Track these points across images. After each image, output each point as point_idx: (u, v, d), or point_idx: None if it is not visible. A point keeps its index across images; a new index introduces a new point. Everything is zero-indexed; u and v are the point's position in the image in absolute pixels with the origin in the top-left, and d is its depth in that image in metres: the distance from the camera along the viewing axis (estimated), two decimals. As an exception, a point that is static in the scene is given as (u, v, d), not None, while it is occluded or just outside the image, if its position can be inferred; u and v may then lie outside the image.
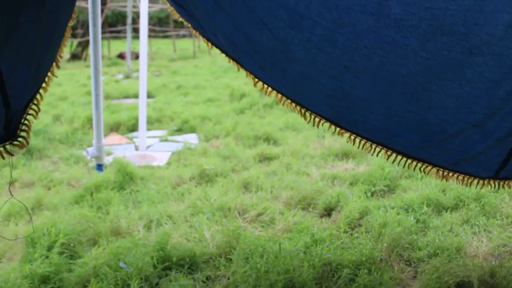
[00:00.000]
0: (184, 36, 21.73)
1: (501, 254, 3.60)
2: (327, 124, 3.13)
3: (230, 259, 3.43)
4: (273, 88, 3.19)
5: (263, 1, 2.75)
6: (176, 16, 3.28)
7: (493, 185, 3.33)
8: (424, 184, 4.70)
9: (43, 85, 2.80)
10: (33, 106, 2.71)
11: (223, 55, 3.31)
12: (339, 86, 2.95)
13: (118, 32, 21.54)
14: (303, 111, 3.16)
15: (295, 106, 3.18)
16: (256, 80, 3.20)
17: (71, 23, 2.96)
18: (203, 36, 3.29)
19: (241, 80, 10.78)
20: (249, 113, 7.97)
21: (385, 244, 3.62)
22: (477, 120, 2.98)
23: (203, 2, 2.89)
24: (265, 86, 3.19)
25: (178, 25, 20.87)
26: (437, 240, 3.69)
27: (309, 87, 3.07)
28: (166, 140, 6.83)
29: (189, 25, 3.41)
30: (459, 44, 2.70)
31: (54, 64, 2.89)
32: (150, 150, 6.40)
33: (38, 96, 2.75)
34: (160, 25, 22.49)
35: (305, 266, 3.28)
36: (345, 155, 5.86)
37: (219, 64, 14.36)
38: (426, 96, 2.89)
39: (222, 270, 3.33)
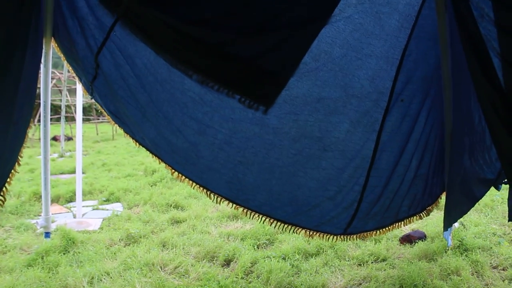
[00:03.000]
0: (103, 121, 21.06)
1: (352, 287, 3.65)
2: (212, 194, 3.13)
3: (158, 307, 3.27)
4: (186, 177, 3.16)
5: (178, 114, 2.78)
6: (98, 107, 3.21)
7: (343, 238, 3.45)
8: (294, 237, 4.74)
9: (8, 180, 2.65)
10: (1, 197, 2.56)
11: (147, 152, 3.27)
12: (235, 175, 2.99)
13: (51, 120, 20.49)
14: (208, 193, 3.15)
15: (202, 189, 3.17)
16: (173, 171, 3.16)
17: (29, 129, 2.85)
18: (133, 138, 3.22)
19: (151, 158, 10.50)
20: (160, 185, 7.73)
21: (272, 286, 3.56)
22: (331, 195, 3.11)
23: (133, 114, 2.88)
24: (180, 175, 3.16)
25: (98, 112, 20.31)
26: (308, 280, 3.67)
27: (213, 176, 3.08)
28: (97, 209, 6.44)
29: (122, 130, 3.36)
30: (316, 144, 2.85)
31: (16, 163, 2.75)
32: (86, 217, 6.02)
33: (4, 189, 2.59)
34: (84, 113, 21.73)
35: (215, 308, 3.19)
36: (235, 217, 5.79)
37: (132, 145, 13.78)
38: (296, 180, 2.99)
39: (152, 317, 3.17)
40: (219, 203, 3.13)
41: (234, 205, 3.15)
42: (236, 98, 2.57)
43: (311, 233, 3.31)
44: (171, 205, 6.42)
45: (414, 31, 2.55)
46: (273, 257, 4.18)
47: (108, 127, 19.15)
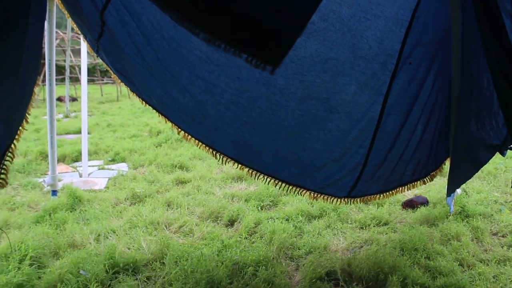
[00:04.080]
0: (107, 82, 20.97)
1: (353, 249, 3.73)
2: (218, 154, 3.15)
3: (163, 263, 3.33)
4: (192, 136, 3.18)
5: (185, 73, 2.77)
6: (104, 67, 3.21)
7: (346, 201, 3.49)
8: (297, 199, 4.81)
9: (16, 137, 2.67)
10: (9, 154, 2.58)
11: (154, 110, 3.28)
12: (241, 135, 3.00)
13: (56, 80, 20.34)
14: (214, 152, 3.17)
15: (208, 149, 3.19)
16: (179, 130, 3.18)
17: (36, 87, 2.86)
18: (139, 97, 3.23)
19: (156, 119, 10.53)
20: (165, 146, 7.77)
21: (275, 246, 3.63)
22: (336, 157, 3.12)
23: (140, 72, 2.87)
24: (186, 134, 3.18)
25: (102, 73, 20.25)
26: (310, 241, 3.76)
27: (219, 135, 3.09)
28: (103, 169, 6.51)
29: (128, 88, 3.37)
30: (323, 105, 2.84)
31: (24, 121, 2.77)
32: (91, 176, 6.09)
33: (13, 146, 2.62)
34: (88, 74, 21.53)
35: (219, 266, 3.26)
36: (239, 178, 5.87)
37: (137, 106, 13.76)
38: (302, 141, 3.00)
39: (158, 271, 3.24)
40: (225, 163, 3.17)
41: (239, 165, 3.18)
42: (243, 57, 2.55)
43: (315, 195, 3.34)
44: (176, 166, 6.49)
45: (424, -8, 2.51)
46: (277, 218, 4.26)
47: (113, 88, 19.10)
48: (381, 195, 3.55)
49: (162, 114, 3.21)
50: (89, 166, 6.44)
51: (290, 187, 3.28)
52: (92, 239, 3.76)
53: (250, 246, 3.68)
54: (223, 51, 2.53)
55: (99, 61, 17.97)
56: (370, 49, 2.64)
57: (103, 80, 20.09)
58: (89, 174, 6.19)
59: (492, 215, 4.43)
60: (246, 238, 3.88)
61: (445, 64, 2.93)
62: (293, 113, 2.85)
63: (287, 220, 4.26)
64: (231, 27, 2.42)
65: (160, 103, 3.10)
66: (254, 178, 3.16)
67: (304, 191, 3.32)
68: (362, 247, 3.77)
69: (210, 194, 5.23)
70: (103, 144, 7.94)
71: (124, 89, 18.08)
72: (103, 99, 16.86)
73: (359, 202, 3.54)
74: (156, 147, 7.81)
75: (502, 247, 3.77)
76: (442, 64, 2.91)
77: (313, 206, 4.56)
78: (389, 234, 3.97)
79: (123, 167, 6.63)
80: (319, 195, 3.36)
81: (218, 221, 4.35)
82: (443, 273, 3.25)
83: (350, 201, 3.48)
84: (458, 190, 4.76)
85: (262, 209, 4.67)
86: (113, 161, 7.01)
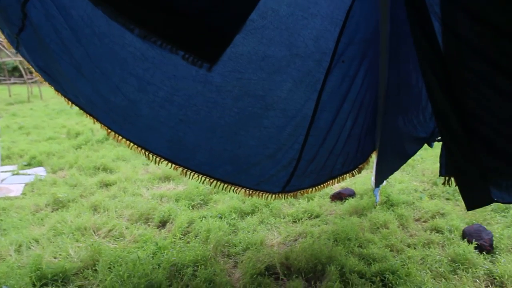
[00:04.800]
0: (15, 82, 19.61)
1: (289, 243, 3.79)
2: (151, 155, 3.05)
3: (96, 270, 3.17)
4: (123, 137, 3.05)
5: (117, 71, 2.65)
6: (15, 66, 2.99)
7: (280, 197, 3.53)
8: (229, 197, 4.80)
9: None
10: None
11: (81, 111, 3.11)
12: (175, 134, 2.93)
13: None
14: (147, 153, 3.07)
15: (141, 150, 3.08)
16: (109, 131, 3.04)
17: None
18: (65, 97, 3.04)
19: (73, 120, 10.08)
20: (86, 148, 7.41)
21: (211, 245, 3.59)
22: (271, 153, 3.15)
23: (67, 70, 2.70)
24: (116, 135, 3.04)
25: (10, 73, 18.94)
26: (246, 238, 3.77)
27: (153, 135, 3.00)
28: (18, 174, 6.08)
29: (52, 87, 3.16)
30: (259, 103, 2.85)
31: None
32: (5, 183, 5.68)
33: None
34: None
35: (157, 269, 3.16)
36: (166, 178, 5.75)
37: (51, 107, 13.05)
38: (237, 139, 2.99)
39: (91, 280, 3.07)
40: (158, 164, 3.07)
41: (173, 165, 3.10)
42: (179, 55, 2.49)
43: (250, 192, 3.36)
44: (99, 168, 6.22)
45: (358, -8, 2.59)
46: (210, 217, 4.23)
47: (22, 89, 17.90)
48: (313, 189, 3.65)
49: (90, 115, 3.04)
50: (2, 172, 6.00)
51: (225, 185, 3.26)
52: (12, 250, 3.51)
53: (185, 246, 3.62)
54: (159, 48, 2.45)
55: (7, 59, 16.81)
56: (306, 47, 2.69)
57: (10, 80, 18.74)
58: (2, 181, 5.76)
59: (413, 202, 4.71)
60: (181, 239, 3.81)
61: (374, 63, 3.06)
62: (229, 111, 2.83)
63: (220, 218, 4.24)
64: (168, 23, 2.35)
65: (89, 103, 2.94)
66: (189, 178, 3.10)
67: (239, 189, 3.32)
68: (297, 240, 3.85)
69: (138, 195, 5.07)
70: (16, 147, 7.42)
71: (36, 89, 17.02)
72: (11, 100, 15.71)
73: (291, 197, 3.59)
74: (76, 149, 7.43)
75: (425, 231, 4.02)
76: (372, 62, 3.04)
77: (244, 202, 4.58)
78: (322, 226, 4.09)
79: (40, 171, 6.24)
80: (254, 192, 3.38)
81: (149, 223, 4.24)
82: (377, 260, 3.42)
83: (284, 196, 3.54)
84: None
85: (193, 208, 4.62)
86: (29, 165, 6.58)
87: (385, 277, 3.19)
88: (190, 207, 4.61)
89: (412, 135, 3.06)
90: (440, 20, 2.01)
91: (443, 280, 3.21)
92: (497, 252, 3.62)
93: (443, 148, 2.61)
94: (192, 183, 5.13)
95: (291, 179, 3.37)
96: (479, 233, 3.77)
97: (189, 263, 3.31)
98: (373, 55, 3.02)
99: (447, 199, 4.94)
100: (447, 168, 2.66)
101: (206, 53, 2.51)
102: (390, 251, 3.62)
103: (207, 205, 4.73)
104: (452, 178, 2.52)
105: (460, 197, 4.33)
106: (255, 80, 2.73)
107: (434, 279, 3.23)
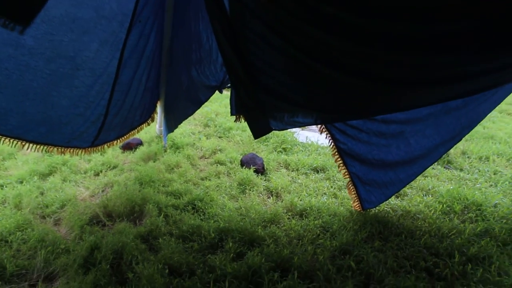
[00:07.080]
0: None
1: (99, 194, 3.99)
2: None
3: None
4: None
5: None
6: None
7: (90, 151, 3.71)
8: (21, 161, 4.58)
9: None
10: None
11: None
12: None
13: None
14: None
15: None
16: None
17: None
18: None
19: None
20: None
21: (27, 209, 3.55)
22: (81, 111, 3.32)
23: None
24: None
25: None
26: (56, 197, 3.81)
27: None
28: None
29: None
30: (69, 64, 3.00)
31: None
32: None
33: None
34: None
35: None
36: None
37: None
38: (50, 100, 3.07)
39: None
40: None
41: (-16, 133, 3.00)
42: (-10, 18, 2.47)
43: (62, 149, 3.45)
44: None
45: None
46: (9, 183, 4.08)
47: None
48: (118, 140, 3.95)
49: None
50: None
51: (38, 146, 3.29)
52: None
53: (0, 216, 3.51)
54: (-33, 11, 2.39)
55: None
56: (111, 9, 2.95)
57: None
58: None
59: (195, 143, 5.40)
60: (-13, 209, 3.64)
61: (163, 22, 3.49)
62: (41, 73, 2.90)
63: (21, 183, 4.14)
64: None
65: None
66: (1, 144, 3.06)
67: (52, 148, 3.38)
68: (104, 190, 4.08)
69: None
70: None
71: None
72: None
73: (99, 151, 3.80)
74: None
75: (212, 165, 4.75)
76: (161, 22, 3.46)
77: (40, 165, 4.51)
78: (124, 174, 4.39)
79: None
80: (66, 149, 3.48)
81: None
82: (183, 193, 3.96)
83: (93, 150, 3.74)
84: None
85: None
86: None
87: (195, 205, 3.77)
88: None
89: (205, 84, 3.63)
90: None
91: (238, 199, 3.98)
92: (268, 173, 4.59)
93: (232, 92, 3.22)
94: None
95: (100, 134, 3.59)
96: (254, 160, 4.70)
97: (7, 230, 3.25)
98: (163, 15, 3.45)
99: (219, 137, 5.80)
100: (237, 108, 3.30)
101: (19, 16, 2.54)
102: (192, 185, 4.21)
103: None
104: (241, 116, 3.16)
105: (232, 135, 5.20)
106: (66, 42, 2.86)
107: (231, 200, 3.98)
